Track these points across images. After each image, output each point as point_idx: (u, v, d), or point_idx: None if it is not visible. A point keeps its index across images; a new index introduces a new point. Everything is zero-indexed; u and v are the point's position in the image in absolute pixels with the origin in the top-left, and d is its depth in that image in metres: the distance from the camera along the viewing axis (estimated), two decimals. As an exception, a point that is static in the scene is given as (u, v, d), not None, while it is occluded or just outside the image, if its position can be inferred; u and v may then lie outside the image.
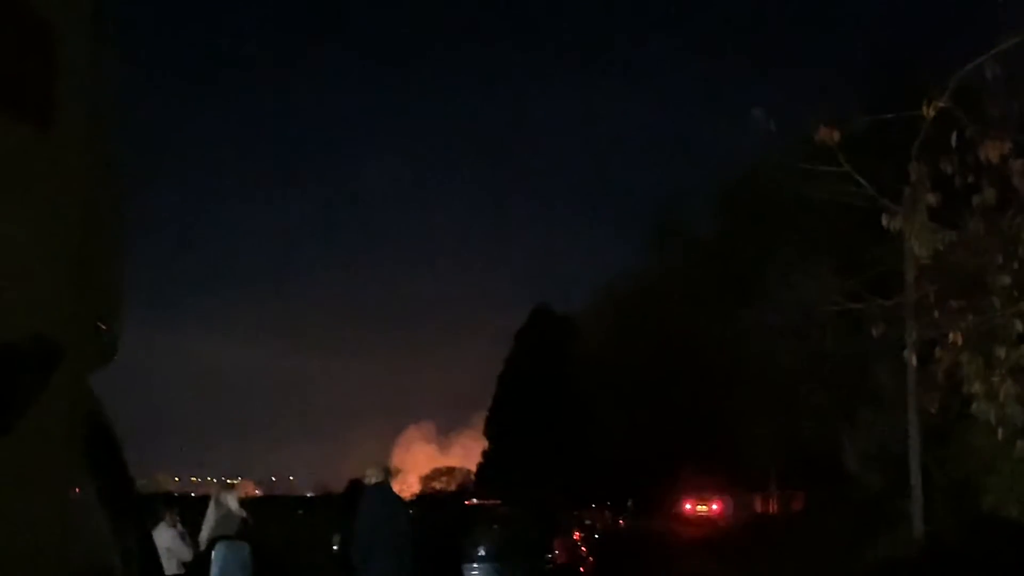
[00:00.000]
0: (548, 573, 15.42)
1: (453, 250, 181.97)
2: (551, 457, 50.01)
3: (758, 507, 46.19)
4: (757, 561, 25.09)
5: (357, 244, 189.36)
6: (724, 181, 33.71)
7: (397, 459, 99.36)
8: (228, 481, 51.11)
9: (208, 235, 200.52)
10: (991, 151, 9.81)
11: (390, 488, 11.91)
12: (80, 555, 2.00)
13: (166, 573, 3.29)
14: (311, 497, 49.22)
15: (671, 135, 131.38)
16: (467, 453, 74.85)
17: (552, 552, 16.13)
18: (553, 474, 46.30)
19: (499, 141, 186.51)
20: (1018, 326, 10.76)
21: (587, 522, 32.81)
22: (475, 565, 14.52)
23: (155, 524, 11.13)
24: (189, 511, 13.07)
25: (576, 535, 22.30)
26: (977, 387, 11.22)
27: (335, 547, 12.96)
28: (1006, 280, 10.92)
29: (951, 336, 11.18)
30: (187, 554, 11.83)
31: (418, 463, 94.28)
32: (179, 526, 12.19)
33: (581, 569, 19.75)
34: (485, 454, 64.65)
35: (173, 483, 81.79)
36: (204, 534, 11.33)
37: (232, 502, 11.74)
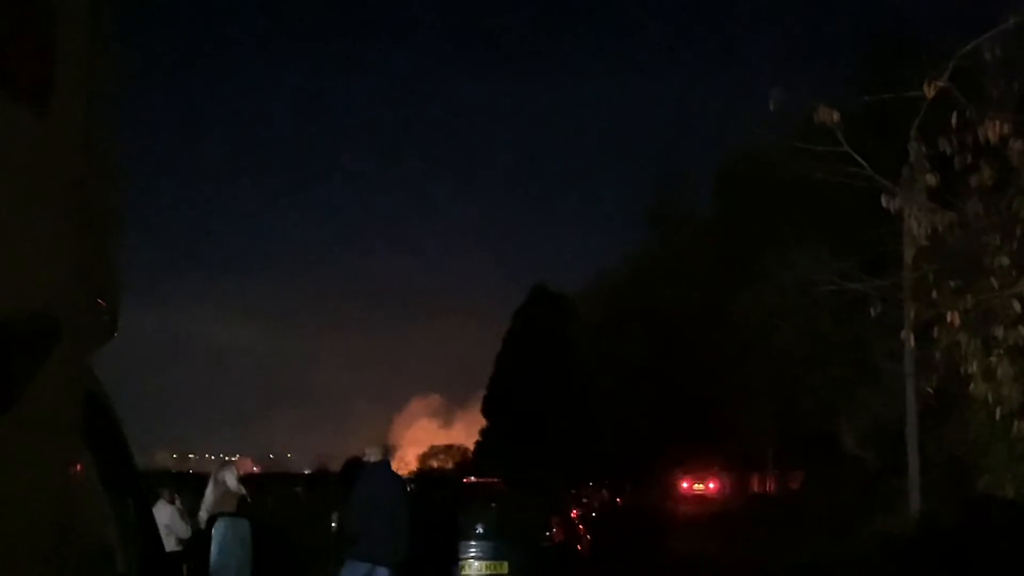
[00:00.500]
0: (546, 551, 15.44)
1: (454, 229, 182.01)
2: (549, 435, 50.08)
3: (755, 486, 46.29)
4: (754, 539, 25.17)
5: (357, 223, 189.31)
6: (722, 161, 33.65)
7: (397, 434, 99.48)
8: (226, 458, 51.18)
9: (207, 215, 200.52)
10: (990, 131, 9.80)
11: (389, 467, 11.95)
12: (80, 530, 2.01)
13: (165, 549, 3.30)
14: (309, 474, 49.25)
15: (669, 114, 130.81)
16: (469, 430, 74.86)
17: (550, 530, 16.16)
18: (551, 452, 46.38)
19: (499, 122, 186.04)
20: (1016, 306, 10.78)
21: (585, 500, 32.90)
22: (473, 543, 14.56)
23: (153, 501, 11.16)
24: (187, 489, 13.11)
25: (574, 513, 22.35)
26: (975, 367, 11.27)
27: (333, 524, 13.00)
28: (1004, 260, 10.94)
29: (949, 316, 11.20)
30: (185, 531, 11.87)
31: (418, 438, 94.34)
32: (177, 503, 12.24)
33: (579, 547, 19.80)
34: (483, 432, 64.70)
35: (171, 460, 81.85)
36: (203, 511, 11.38)
37: (231, 479, 11.79)
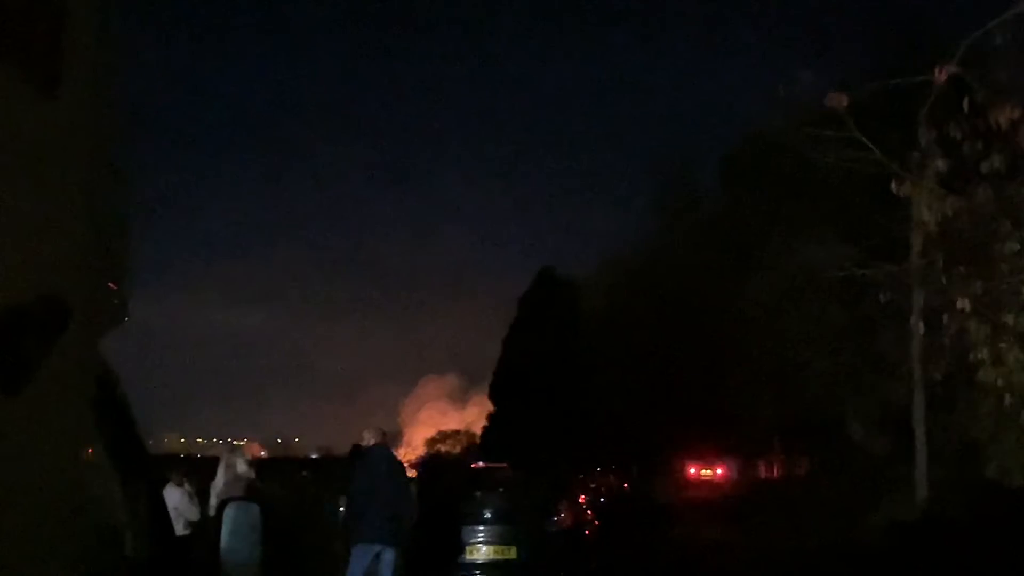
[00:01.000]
0: (554, 536, 15.48)
1: (462, 214, 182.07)
2: (556, 421, 50.11)
3: (762, 472, 46.29)
4: (760, 524, 25.18)
5: (366, 208, 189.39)
6: (730, 145, 33.58)
7: (407, 417, 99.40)
8: (234, 443, 51.37)
9: (219, 199, 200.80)
10: (1000, 117, 9.76)
11: (384, 450, 12.07)
12: (91, 513, 2.02)
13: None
14: (316, 458, 49.42)
15: (677, 99, 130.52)
16: (481, 414, 74.75)
17: (558, 515, 16.20)
18: (558, 438, 46.43)
19: (507, 106, 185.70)
20: (1025, 293, 10.75)
21: (592, 486, 32.96)
22: (481, 527, 14.59)
23: (162, 485, 11.21)
24: (195, 472, 13.16)
25: (582, 498, 22.40)
26: (984, 353, 11.23)
27: (341, 508, 13.05)
28: (1014, 247, 10.91)
29: (958, 303, 11.16)
30: (194, 514, 11.94)
31: (432, 418, 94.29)
32: (187, 486, 12.31)
33: (586, 532, 19.85)
34: (490, 417, 64.74)
35: (179, 444, 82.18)
36: (214, 496, 11.42)
37: (242, 464, 11.83)
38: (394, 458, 12.51)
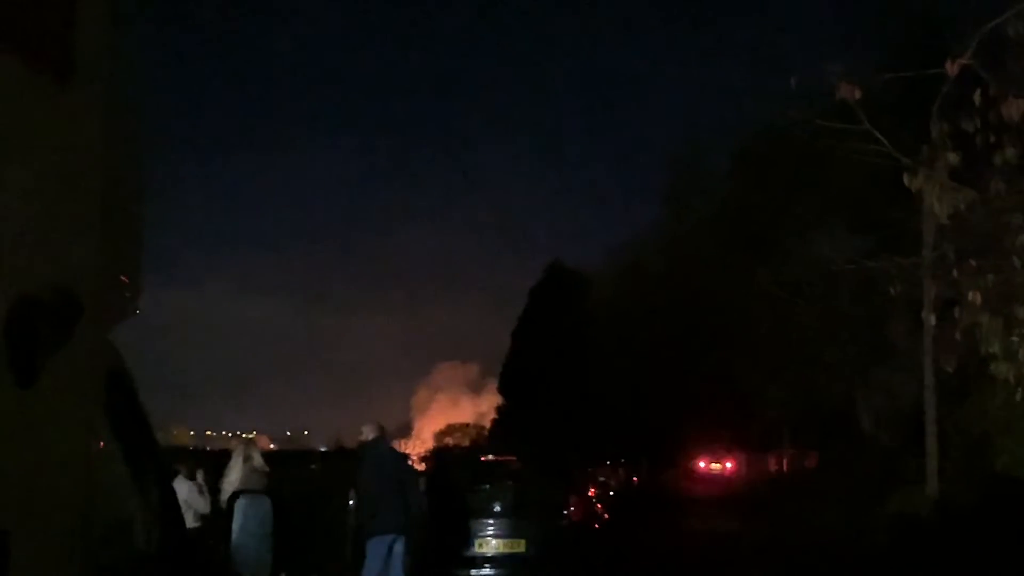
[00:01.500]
0: (563, 529, 15.44)
1: (473, 207, 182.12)
2: (565, 414, 50.10)
3: (771, 465, 46.28)
4: (770, 518, 25.19)
5: (377, 202, 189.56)
6: (741, 137, 33.47)
7: (419, 404, 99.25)
8: (243, 436, 51.42)
9: (229, 193, 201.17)
10: (1013, 109, 9.70)
11: (383, 444, 12.20)
12: (102, 504, 2.01)
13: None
14: (325, 452, 49.50)
15: (689, 91, 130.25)
16: (494, 404, 74.68)
17: (567, 509, 16.17)
18: (567, 431, 46.45)
19: (518, 99, 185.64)
20: (1038, 286, 10.70)
21: (602, 479, 32.94)
22: (490, 520, 14.58)
23: (173, 477, 11.24)
24: (204, 466, 13.19)
25: (591, 492, 22.37)
26: (996, 347, 11.16)
27: (351, 501, 13.09)
28: (1027, 240, 10.84)
29: (970, 296, 11.10)
30: (204, 506, 11.98)
31: (443, 408, 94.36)
32: (199, 477, 12.35)
33: (596, 526, 19.83)
34: (499, 410, 64.78)
35: (189, 437, 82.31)
36: (228, 489, 11.44)
37: (258, 457, 11.87)
38: (394, 450, 12.85)
